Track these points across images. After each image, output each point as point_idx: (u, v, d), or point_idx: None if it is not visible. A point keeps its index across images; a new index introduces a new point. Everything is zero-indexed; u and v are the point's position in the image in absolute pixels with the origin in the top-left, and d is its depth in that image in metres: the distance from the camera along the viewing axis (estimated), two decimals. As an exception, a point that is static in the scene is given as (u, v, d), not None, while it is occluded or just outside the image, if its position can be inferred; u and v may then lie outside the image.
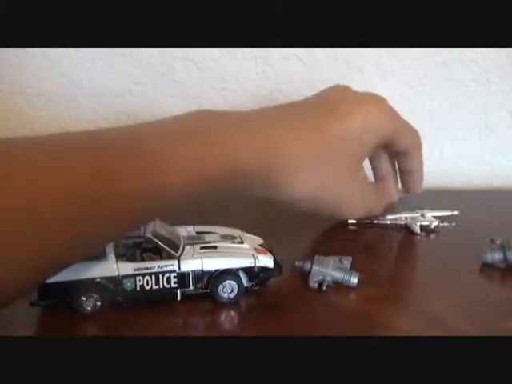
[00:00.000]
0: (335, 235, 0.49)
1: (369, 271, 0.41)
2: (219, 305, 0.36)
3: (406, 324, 0.35)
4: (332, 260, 0.39)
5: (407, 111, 0.62)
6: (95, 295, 0.34)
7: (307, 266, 0.39)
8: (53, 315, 0.34)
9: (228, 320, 0.35)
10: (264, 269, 0.37)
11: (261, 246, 0.39)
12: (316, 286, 0.38)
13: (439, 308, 0.36)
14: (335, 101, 0.43)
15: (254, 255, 0.37)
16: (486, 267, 0.42)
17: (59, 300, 0.34)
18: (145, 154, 0.33)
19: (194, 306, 0.36)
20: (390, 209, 0.51)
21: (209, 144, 0.36)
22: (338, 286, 0.38)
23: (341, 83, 0.60)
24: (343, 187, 0.44)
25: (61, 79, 0.60)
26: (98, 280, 0.34)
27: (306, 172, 0.41)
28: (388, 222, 0.50)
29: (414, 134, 0.47)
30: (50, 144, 0.32)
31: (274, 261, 0.38)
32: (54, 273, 0.33)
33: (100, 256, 0.35)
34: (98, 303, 0.34)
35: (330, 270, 0.38)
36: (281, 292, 0.39)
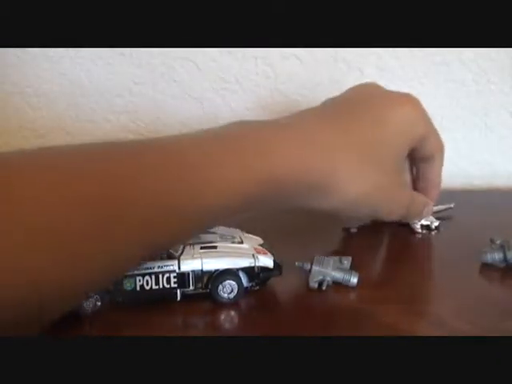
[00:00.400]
0: (335, 235, 0.49)
1: (369, 271, 0.41)
2: (219, 305, 0.36)
3: (405, 324, 0.35)
4: (332, 260, 0.39)
5: (407, 111, 0.62)
6: (95, 295, 0.34)
7: (307, 266, 0.39)
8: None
9: (228, 320, 0.35)
10: (264, 269, 0.37)
11: (261, 246, 0.39)
12: (316, 285, 0.38)
13: (439, 308, 0.36)
14: (369, 102, 0.42)
15: (253, 255, 0.37)
16: (486, 267, 0.42)
17: None
18: (176, 161, 0.32)
19: (194, 306, 0.36)
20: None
21: (246, 151, 0.35)
22: (338, 286, 0.38)
23: (341, 83, 0.61)
24: (385, 190, 0.42)
25: (61, 79, 0.60)
26: None
27: (350, 176, 0.39)
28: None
29: (440, 139, 0.46)
30: (68, 153, 0.31)
31: (274, 261, 0.38)
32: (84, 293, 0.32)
33: None
34: (98, 303, 0.34)
35: (329, 269, 0.38)
36: (281, 292, 0.39)
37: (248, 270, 0.37)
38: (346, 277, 0.38)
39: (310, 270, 0.38)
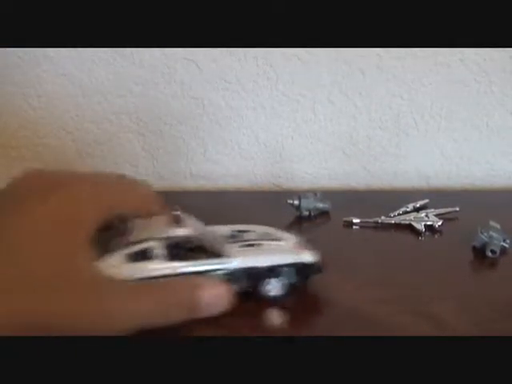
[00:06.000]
0: (339, 235, 0.49)
1: (370, 271, 0.41)
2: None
3: (406, 324, 0.35)
4: (311, 195, 0.52)
5: (408, 112, 0.62)
6: None
7: (296, 201, 0.51)
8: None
9: (227, 320, 0.35)
10: (306, 265, 0.36)
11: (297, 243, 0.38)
12: (307, 214, 0.51)
13: (440, 308, 0.36)
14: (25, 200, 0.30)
15: (296, 252, 0.36)
16: (487, 268, 0.42)
17: None
18: None
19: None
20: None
21: None
22: (338, 286, 0.38)
23: (342, 83, 0.61)
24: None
25: (61, 80, 0.60)
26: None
27: None
28: (392, 221, 0.50)
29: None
30: None
31: (314, 257, 0.37)
32: None
33: (148, 256, 0.34)
34: None
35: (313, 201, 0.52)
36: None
37: (292, 267, 0.36)
38: (324, 204, 0.52)
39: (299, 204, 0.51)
